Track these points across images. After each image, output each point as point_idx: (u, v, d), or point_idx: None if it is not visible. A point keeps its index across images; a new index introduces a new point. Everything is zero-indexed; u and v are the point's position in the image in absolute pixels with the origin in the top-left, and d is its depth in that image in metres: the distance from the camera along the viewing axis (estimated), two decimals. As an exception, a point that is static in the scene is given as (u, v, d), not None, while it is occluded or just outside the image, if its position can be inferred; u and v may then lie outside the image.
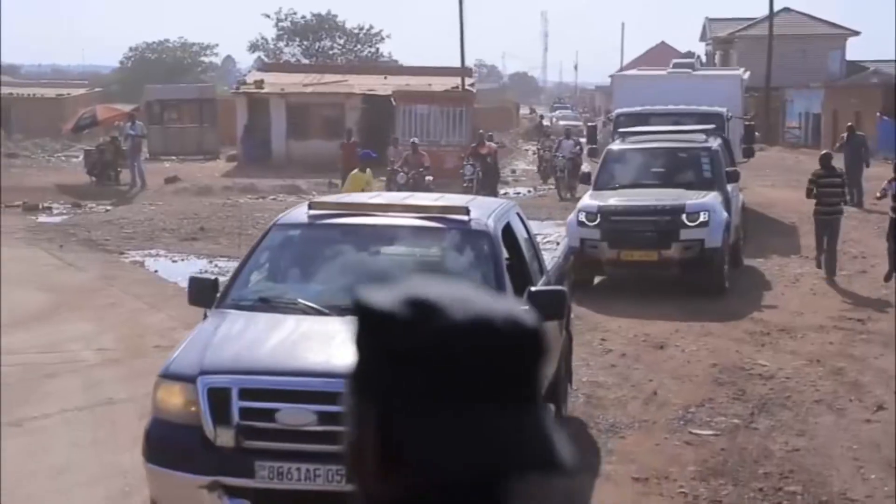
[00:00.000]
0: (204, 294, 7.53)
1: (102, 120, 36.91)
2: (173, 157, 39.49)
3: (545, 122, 50.38)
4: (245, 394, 6.20)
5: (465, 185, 23.83)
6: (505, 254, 7.94)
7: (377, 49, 71.17)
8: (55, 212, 25.90)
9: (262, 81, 38.77)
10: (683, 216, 14.48)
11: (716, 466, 8.12)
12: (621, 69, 53.55)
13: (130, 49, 75.44)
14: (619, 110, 21.00)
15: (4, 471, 7.73)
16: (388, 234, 8.05)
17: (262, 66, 47.23)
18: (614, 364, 11.13)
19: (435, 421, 1.23)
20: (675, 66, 24.89)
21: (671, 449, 8.56)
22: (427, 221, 7.99)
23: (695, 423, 9.18)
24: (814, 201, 15.93)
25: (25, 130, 47.16)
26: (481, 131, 28.11)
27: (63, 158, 40.87)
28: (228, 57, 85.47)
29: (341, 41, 70.61)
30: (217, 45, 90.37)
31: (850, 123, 26.81)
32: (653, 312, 13.28)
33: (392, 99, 34.83)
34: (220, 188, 29.67)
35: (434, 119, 33.09)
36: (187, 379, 6.35)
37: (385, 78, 40.39)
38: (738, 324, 12.95)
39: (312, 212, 8.10)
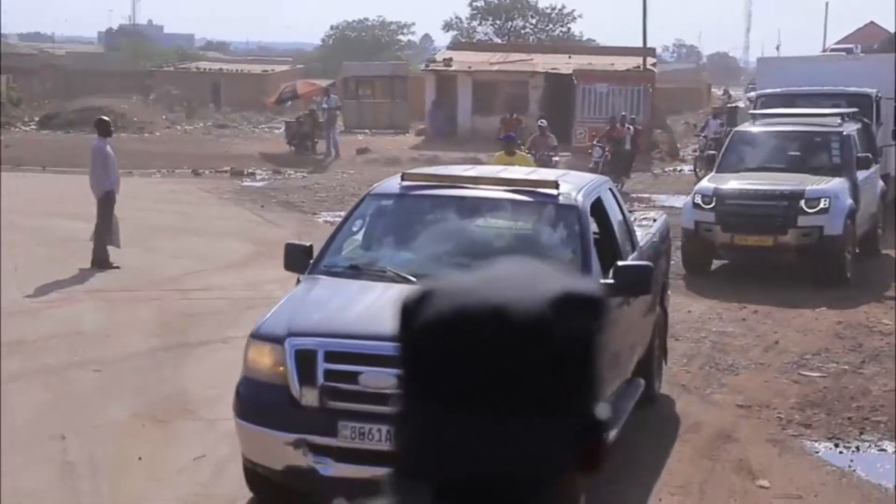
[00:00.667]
0: (298, 260, 7.72)
1: (302, 94, 39.50)
2: (366, 131, 41.74)
3: (740, 104, 50.04)
4: (330, 356, 6.41)
5: (590, 166, 23.21)
6: (594, 228, 8.03)
7: (568, 28, 71.84)
8: (258, 177, 28.34)
9: (450, 59, 40.57)
10: (802, 202, 14.07)
11: (815, 400, 9.21)
12: (824, 50, 52.64)
13: (332, 27, 78.54)
14: (759, 91, 20.41)
15: (215, 378, 9.47)
16: (477, 206, 8.01)
17: (452, 45, 49.08)
18: (745, 318, 12.20)
19: (412, 423, 1.18)
20: (832, 51, 24.23)
21: (778, 385, 9.66)
22: (516, 195, 8.01)
23: (807, 367, 10.24)
24: None
25: (233, 103, 50.60)
26: (623, 114, 27.56)
27: (266, 129, 43.81)
28: (426, 35, 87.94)
29: (533, 21, 71.51)
30: (414, 23, 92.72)
31: None
32: (774, 298, 13.10)
33: (573, 77, 36.01)
34: (407, 159, 31.53)
35: (612, 97, 34.09)
36: (276, 340, 6.57)
37: (569, 57, 41.49)
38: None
39: (405, 183, 8.23)
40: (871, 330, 11.64)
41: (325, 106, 34.03)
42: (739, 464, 7.69)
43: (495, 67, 39.63)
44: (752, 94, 20.83)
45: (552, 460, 1.16)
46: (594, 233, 7.97)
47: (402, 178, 8.32)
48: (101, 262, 14.55)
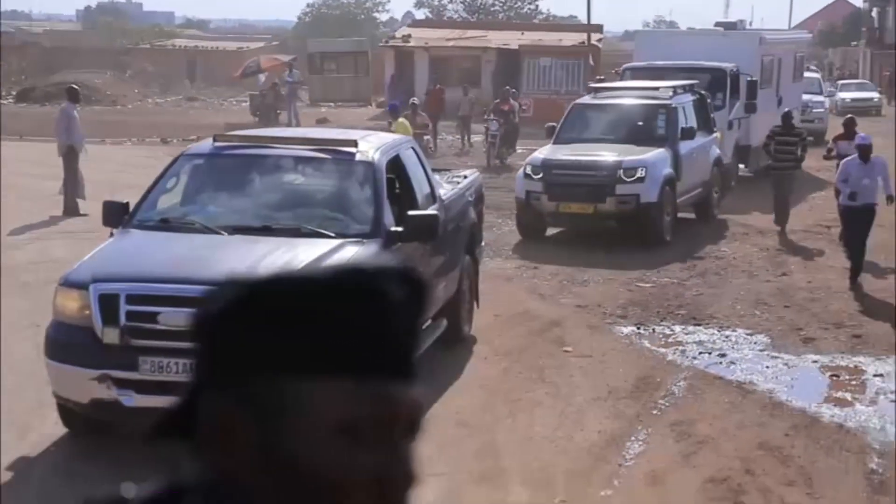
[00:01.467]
0: (115, 216, 8.30)
1: (265, 68, 41.71)
2: (331, 104, 43.93)
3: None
4: (131, 299, 7.02)
5: (489, 140, 24.14)
6: (388, 184, 8.63)
7: (536, 6, 73.64)
8: (222, 145, 30.52)
9: (409, 36, 42.82)
10: (620, 172, 14.79)
11: (637, 300, 11.64)
12: (791, 28, 54.77)
13: (308, 5, 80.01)
14: (626, 65, 21.37)
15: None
16: (282, 164, 8.74)
17: (412, 23, 51.30)
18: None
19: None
20: (716, 24, 24.59)
21: (615, 292, 12.07)
22: (318, 153, 8.79)
23: (644, 280, 12.65)
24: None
25: (209, 80, 52.67)
26: (507, 88, 28.18)
27: (234, 102, 45.93)
28: (408, 13, 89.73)
29: None
30: (389, 0, 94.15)
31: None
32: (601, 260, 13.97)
33: (519, 52, 38.36)
34: (362, 128, 33.87)
35: (555, 71, 36.47)
36: (82, 286, 7.15)
37: (521, 34, 43.75)
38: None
39: (217, 143, 8.90)
40: (709, 256, 14.09)
41: (288, 80, 36.30)
42: (557, 339, 10.10)
43: (451, 43, 41.89)
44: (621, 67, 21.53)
45: None
46: (385, 186, 8.57)
47: (214, 140, 9.03)
48: (71, 210, 16.82)
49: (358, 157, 8.58)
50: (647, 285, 12.42)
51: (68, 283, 7.28)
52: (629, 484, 6.89)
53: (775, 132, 16.34)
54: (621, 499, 6.69)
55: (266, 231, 7.99)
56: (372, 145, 8.90)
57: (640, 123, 16.13)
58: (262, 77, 43.21)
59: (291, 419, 1.11)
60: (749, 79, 20.08)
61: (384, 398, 1.12)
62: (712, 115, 17.81)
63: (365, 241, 7.85)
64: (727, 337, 10.33)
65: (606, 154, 15.29)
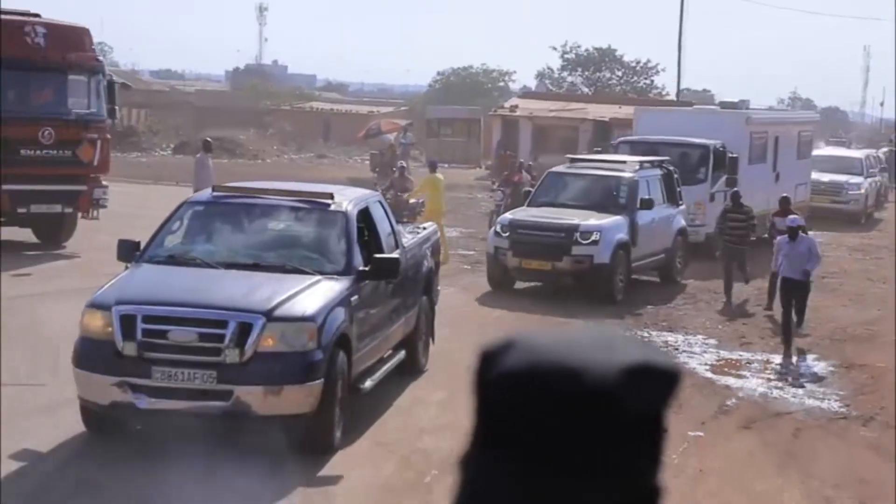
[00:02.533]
0: (127, 252, 9.67)
1: (385, 131, 46.83)
2: (445, 164, 48.65)
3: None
4: (146, 319, 8.37)
5: (493, 208, 24.67)
6: (358, 231, 9.93)
7: (651, 81, 76.66)
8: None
9: (515, 106, 47.49)
10: (577, 234, 16.24)
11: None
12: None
13: (438, 73, 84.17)
14: (620, 139, 23.22)
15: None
16: (270, 212, 10.02)
17: (521, 94, 56.11)
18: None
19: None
20: (721, 105, 26.33)
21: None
22: (300, 203, 10.05)
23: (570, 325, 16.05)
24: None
25: (340, 139, 58.04)
26: (521, 161, 29.41)
27: (359, 160, 51.23)
28: (524, 87, 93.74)
29: (619, 73, 76.45)
30: (515, 71, 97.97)
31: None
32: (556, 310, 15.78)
33: (610, 124, 42.70)
34: (465, 186, 38.50)
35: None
36: (106, 307, 8.47)
37: (619, 107, 47.93)
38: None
39: (216, 193, 10.31)
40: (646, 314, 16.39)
41: (402, 141, 41.34)
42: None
43: (552, 114, 46.37)
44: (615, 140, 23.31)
45: None
46: (356, 234, 9.87)
47: (213, 190, 10.54)
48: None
49: (333, 207, 9.95)
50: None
51: (94, 305, 8.66)
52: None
53: (727, 209, 17.70)
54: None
55: (255, 267, 9.44)
56: (346, 198, 10.30)
57: (604, 192, 17.68)
58: (389, 137, 48.30)
59: None
60: (731, 155, 21.30)
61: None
62: (679, 189, 19.11)
63: (338, 277, 9.31)
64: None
65: (568, 217, 16.76)
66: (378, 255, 9.80)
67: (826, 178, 29.16)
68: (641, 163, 18.63)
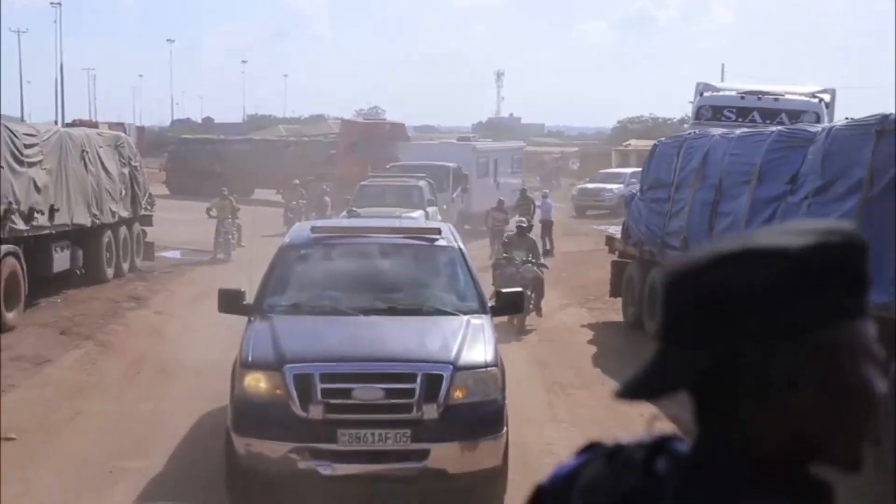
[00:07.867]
0: (232, 302, 8.63)
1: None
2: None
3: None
4: (325, 377, 7.47)
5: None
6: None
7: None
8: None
9: (629, 143, 56.02)
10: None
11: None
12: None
13: (618, 121, 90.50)
14: (393, 163, 30.60)
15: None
16: (381, 250, 9.34)
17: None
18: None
19: None
20: (458, 139, 37.30)
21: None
22: (411, 240, 9.48)
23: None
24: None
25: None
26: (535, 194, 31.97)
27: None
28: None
29: None
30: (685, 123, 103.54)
31: None
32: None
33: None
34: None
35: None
36: (271, 368, 7.58)
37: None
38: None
39: (315, 234, 9.37)
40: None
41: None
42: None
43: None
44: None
45: None
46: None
47: (312, 231, 9.54)
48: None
49: (443, 242, 9.36)
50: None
51: (254, 367, 7.71)
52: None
53: (519, 201, 26.81)
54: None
55: (392, 311, 8.57)
56: (447, 231, 9.79)
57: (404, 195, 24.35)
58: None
59: (845, 356, 1.32)
60: (465, 173, 29.86)
61: (873, 332, 1.37)
62: (437, 195, 26.13)
63: (479, 316, 8.52)
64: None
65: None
66: (503, 290, 9.37)
67: (591, 185, 40.96)
68: (418, 177, 26.20)
